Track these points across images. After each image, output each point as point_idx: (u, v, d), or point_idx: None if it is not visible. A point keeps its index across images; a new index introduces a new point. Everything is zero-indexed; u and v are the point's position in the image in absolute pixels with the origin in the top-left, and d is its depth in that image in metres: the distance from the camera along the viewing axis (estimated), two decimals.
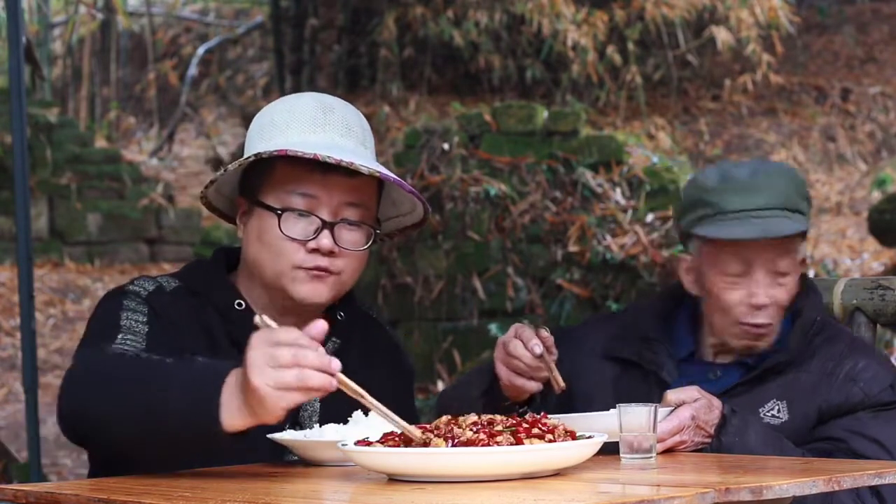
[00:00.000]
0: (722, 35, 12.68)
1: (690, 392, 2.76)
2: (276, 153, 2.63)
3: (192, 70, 16.42)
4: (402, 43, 13.22)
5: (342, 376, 2.26)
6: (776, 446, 2.75)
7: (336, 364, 2.24)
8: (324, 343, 2.77)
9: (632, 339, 2.97)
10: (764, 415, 2.86)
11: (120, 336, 2.61)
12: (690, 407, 2.72)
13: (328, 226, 2.68)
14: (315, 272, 2.69)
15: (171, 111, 16.27)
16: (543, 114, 8.57)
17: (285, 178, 2.69)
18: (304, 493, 2.32)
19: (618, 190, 8.38)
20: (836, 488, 2.29)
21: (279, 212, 2.68)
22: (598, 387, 2.95)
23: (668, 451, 2.69)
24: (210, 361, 2.42)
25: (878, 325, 3.18)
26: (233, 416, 2.31)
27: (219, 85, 16.78)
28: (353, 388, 2.30)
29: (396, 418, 2.34)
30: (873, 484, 2.39)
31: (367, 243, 2.73)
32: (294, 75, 14.28)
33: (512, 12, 12.57)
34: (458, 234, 8.39)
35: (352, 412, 2.61)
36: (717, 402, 2.75)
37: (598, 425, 2.51)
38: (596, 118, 12.10)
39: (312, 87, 14.06)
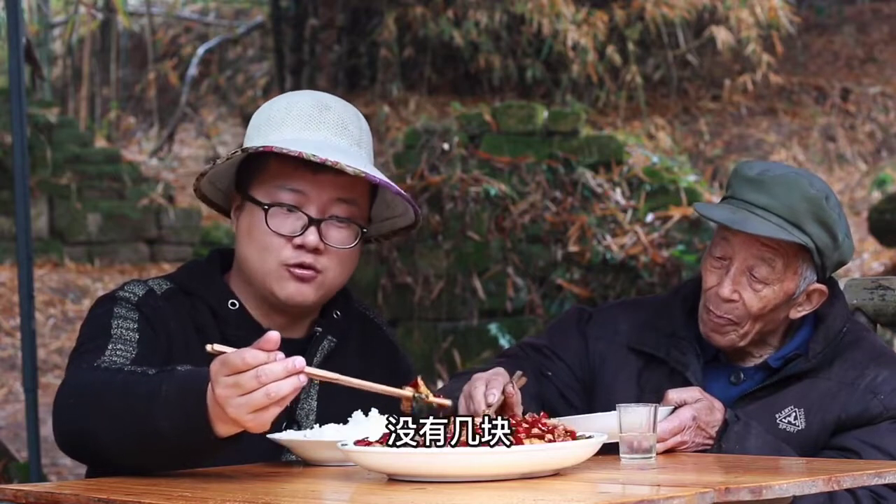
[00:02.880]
0: (722, 35, 12.69)
1: (692, 392, 2.75)
2: (262, 149, 2.63)
3: (192, 70, 16.42)
4: (402, 43, 13.22)
5: (310, 369, 2.30)
6: (776, 451, 2.75)
7: (300, 362, 2.26)
8: (320, 342, 2.78)
9: (659, 334, 2.96)
10: (780, 421, 2.84)
11: (110, 346, 2.60)
12: (691, 408, 2.71)
13: (315, 222, 2.68)
14: (299, 271, 2.68)
15: (171, 111, 16.27)
16: (543, 114, 8.57)
17: (275, 174, 2.69)
18: (304, 493, 2.33)
19: (618, 190, 8.39)
20: (836, 488, 2.29)
21: (266, 206, 2.68)
22: (622, 378, 2.94)
23: (669, 452, 2.69)
24: (189, 373, 2.41)
25: (879, 325, 3.18)
26: (225, 425, 2.33)
27: (219, 85, 16.78)
28: (325, 375, 2.37)
29: (378, 386, 2.41)
30: (873, 483, 2.39)
31: (354, 242, 2.72)
32: (294, 75, 14.28)
33: (512, 12, 12.57)
34: (458, 234, 8.39)
35: (349, 408, 2.61)
36: (718, 405, 2.75)
37: (598, 426, 2.51)
38: (596, 118, 12.10)
39: (312, 87, 14.05)
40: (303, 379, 2.27)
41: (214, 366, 2.30)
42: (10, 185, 6.27)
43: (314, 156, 2.61)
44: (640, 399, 2.83)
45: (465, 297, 8.36)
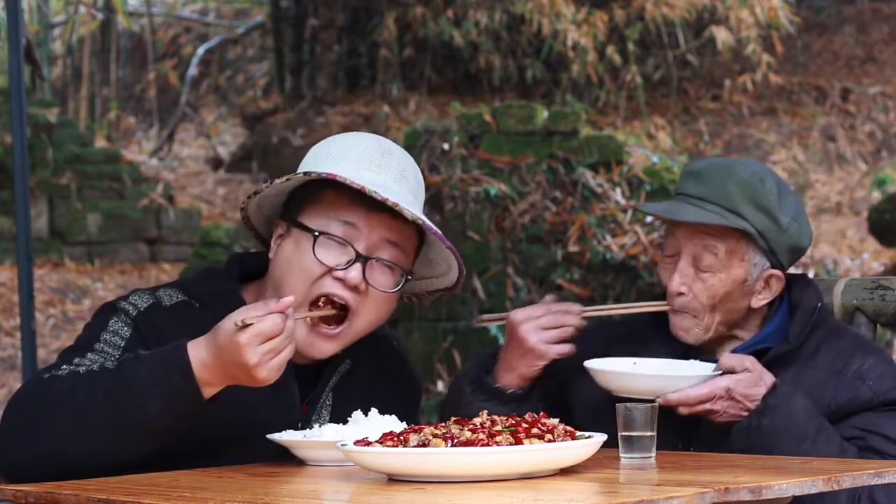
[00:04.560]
0: (722, 35, 12.68)
1: (743, 361, 2.75)
2: (325, 175, 2.60)
3: (192, 70, 16.41)
4: (402, 43, 13.22)
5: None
6: (818, 420, 2.74)
7: (290, 299, 2.45)
8: (337, 365, 2.76)
9: (631, 339, 2.97)
10: None
11: (76, 360, 2.58)
12: (730, 378, 2.71)
13: (361, 259, 2.64)
14: (325, 329, 2.65)
15: (171, 111, 16.26)
16: (543, 114, 8.57)
17: (330, 204, 2.65)
18: (304, 493, 2.33)
19: (618, 190, 8.38)
20: (836, 488, 2.29)
21: (316, 234, 2.64)
22: (596, 387, 2.93)
23: (689, 451, 2.70)
24: (160, 352, 2.48)
25: (878, 325, 3.18)
26: (211, 387, 2.45)
27: (219, 85, 16.78)
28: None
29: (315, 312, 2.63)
30: (873, 483, 2.39)
31: (396, 287, 2.68)
32: (294, 75, 14.28)
33: (512, 12, 12.57)
34: (458, 234, 8.38)
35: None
36: (767, 379, 2.74)
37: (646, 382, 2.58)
38: (596, 118, 12.10)
39: (312, 87, 14.05)
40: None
41: (244, 337, 2.38)
42: (10, 185, 6.26)
43: (376, 192, 2.58)
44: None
45: (465, 297, 8.35)
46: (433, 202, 8.38)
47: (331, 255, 2.64)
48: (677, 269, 2.87)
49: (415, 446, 2.26)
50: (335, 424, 2.59)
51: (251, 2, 17.60)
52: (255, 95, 15.77)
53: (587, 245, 8.21)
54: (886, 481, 2.35)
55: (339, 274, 2.63)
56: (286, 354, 2.42)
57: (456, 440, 2.25)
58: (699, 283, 2.86)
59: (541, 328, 2.83)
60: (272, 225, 2.77)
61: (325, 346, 2.68)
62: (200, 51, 16.65)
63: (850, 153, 13.03)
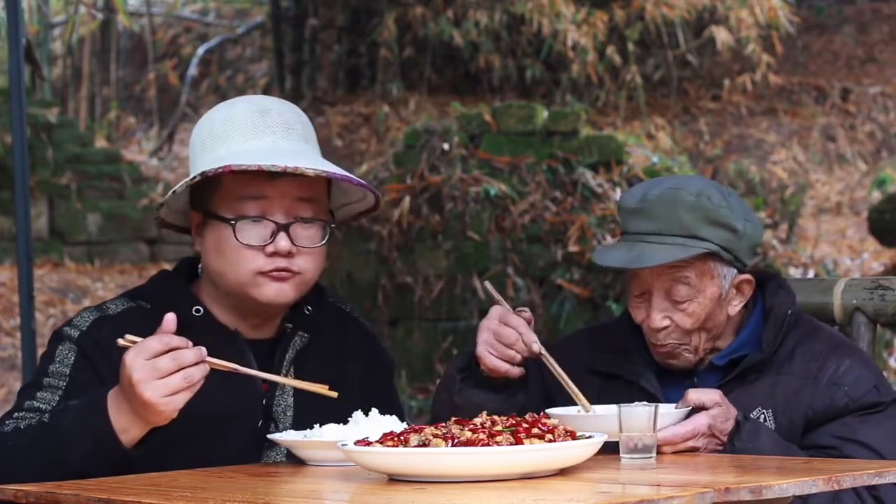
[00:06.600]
0: (722, 35, 12.69)
1: (712, 395, 2.72)
2: (220, 170, 2.62)
3: (192, 70, 16.40)
4: (402, 43, 13.22)
5: (211, 359, 2.45)
6: (786, 451, 2.74)
7: (204, 351, 2.42)
8: (290, 339, 2.78)
9: (612, 351, 2.96)
10: None
11: (27, 402, 2.63)
12: (708, 415, 2.69)
13: (283, 227, 2.68)
14: (277, 274, 2.69)
15: (171, 111, 16.26)
16: (543, 114, 8.57)
17: (234, 188, 2.69)
18: (304, 493, 2.33)
19: (618, 190, 8.38)
20: (836, 488, 2.29)
21: (233, 221, 2.68)
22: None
23: (676, 453, 2.68)
24: (84, 400, 2.52)
25: (878, 325, 3.18)
26: (129, 434, 2.45)
27: (219, 85, 16.78)
28: (224, 364, 2.50)
29: (276, 377, 2.62)
30: (873, 483, 2.39)
31: (323, 238, 2.74)
32: (294, 75, 14.28)
33: (512, 12, 12.57)
34: (458, 234, 8.39)
35: (325, 403, 2.61)
36: (733, 412, 2.73)
37: (600, 426, 2.51)
38: (596, 118, 12.10)
39: (312, 87, 14.05)
40: (208, 368, 2.43)
41: (129, 355, 2.40)
42: (10, 185, 6.25)
43: (273, 166, 2.61)
44: None
45: (465, 297, 8.36)
46: (433, 202, 8.38)
47: (254, 234, 2.68)
48: (653, 306, 2.85)
49: (415, 446, 2.26)
50: (335, 424, 2.59)
51: (251, 2, 17.60)
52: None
53: (587, 245, 8.21)
54: (886, 481, 2.35)
55: (270, 248, 2.68)
56: (177, 381, 2.39)
57: (456, 440, 2.25)
58: (678, 314, 2.85)
59: (490, 344, 2.83)
60: (187, 217, 2.82)
61: (282, 289, 2.70)
62: (200, 51, 16.64)
63: (850, 153, 13.04)
